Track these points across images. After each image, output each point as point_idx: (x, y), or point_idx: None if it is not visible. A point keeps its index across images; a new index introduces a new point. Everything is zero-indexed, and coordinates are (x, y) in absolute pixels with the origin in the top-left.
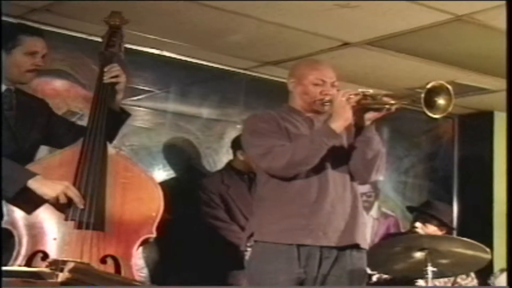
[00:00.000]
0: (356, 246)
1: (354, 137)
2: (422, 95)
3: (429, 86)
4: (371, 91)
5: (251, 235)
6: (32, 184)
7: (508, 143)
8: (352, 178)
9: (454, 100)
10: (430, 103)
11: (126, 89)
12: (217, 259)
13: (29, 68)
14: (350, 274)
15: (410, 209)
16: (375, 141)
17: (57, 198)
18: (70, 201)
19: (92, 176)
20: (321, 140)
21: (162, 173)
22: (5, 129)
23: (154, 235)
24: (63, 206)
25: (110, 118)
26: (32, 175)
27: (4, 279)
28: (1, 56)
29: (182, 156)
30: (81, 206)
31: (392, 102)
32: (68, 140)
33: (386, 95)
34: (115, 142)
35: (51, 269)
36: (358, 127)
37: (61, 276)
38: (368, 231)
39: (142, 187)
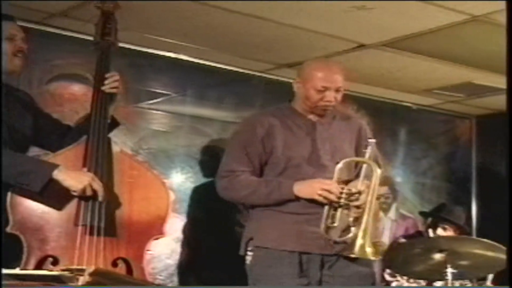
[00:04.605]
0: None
1: None
2: None
3: None
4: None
5: (250, 239)
6: (58, 175)
7: (509, 145)
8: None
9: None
10: None
11: (142, 92)
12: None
13: (14, 51)
14: (357, 274)
15: (424, 214)
16: None
17: (83, 191)
18: (91, 196)
19: (99, 175)
20: (278, 197)
21: (180, 176)
22: (6, 130)
23: (164, 235)
24: (85, 199)
25: None
26: (55, 166)
27: (7, 282)
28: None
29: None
30: (101, 199)
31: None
32: (56, 139)
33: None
34: (132, 145)
35: (71, 273)
36: None
37: (82, 280)
38: (386, 233)
39: (149, 186)
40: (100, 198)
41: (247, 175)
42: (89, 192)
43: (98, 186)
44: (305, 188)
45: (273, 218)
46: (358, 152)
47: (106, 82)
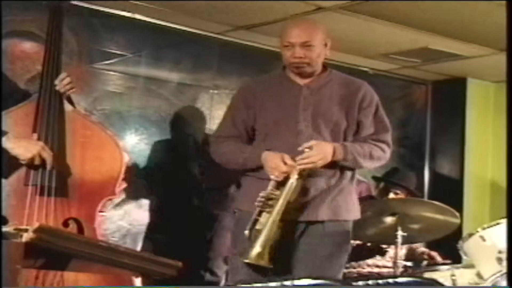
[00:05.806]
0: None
1: None
2: None
3: None
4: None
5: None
6: (6, 143)
7: (508, 121)
8: None
9: None
10: None
11: (97, 52)
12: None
13: None
14: (327, 241)
15: (376, 179)
16: None
17: (32, 160)
18: (40, 165)
19: (50, 135)
20: (251, 167)
21: (134, 137)
22: None
23: (116, 196)
24: (33, 167)
25: None
26: (3, 133)
27: None
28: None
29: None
30: (49, 168)
31: None
32: (12, 103)
33: None
34: (86, 106)
35: (15, 229)
36: None
37: (26, 236)
38: None
39: (103, 146)
40: (48, 167)
41: (230, 142)
42: (37, 162)
43: (47, 155)
44: (265, 162)
45: (251, 183)
46: (349, 116)
47: (58, 84)
